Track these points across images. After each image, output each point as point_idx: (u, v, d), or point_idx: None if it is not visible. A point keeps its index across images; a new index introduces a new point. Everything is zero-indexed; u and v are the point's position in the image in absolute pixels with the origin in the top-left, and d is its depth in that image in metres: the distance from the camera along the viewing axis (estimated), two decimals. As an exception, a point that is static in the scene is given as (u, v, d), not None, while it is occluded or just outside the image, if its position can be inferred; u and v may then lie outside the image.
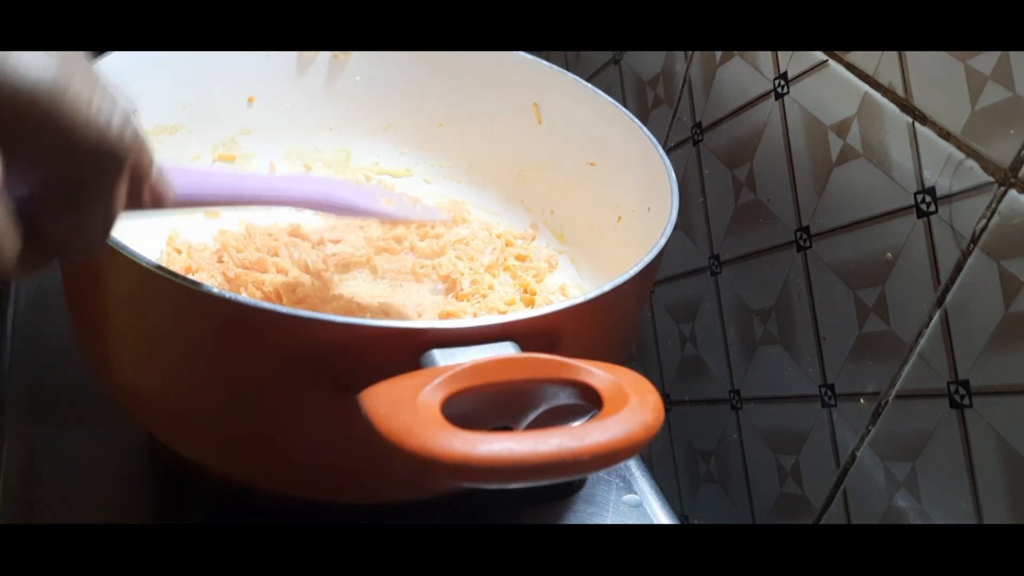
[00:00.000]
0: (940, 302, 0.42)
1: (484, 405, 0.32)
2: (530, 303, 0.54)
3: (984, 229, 0.39)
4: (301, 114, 0.62)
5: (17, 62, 0.22)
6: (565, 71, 0.57)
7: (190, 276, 0.39)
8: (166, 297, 0.35)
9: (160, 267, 0.34)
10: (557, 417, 0.35)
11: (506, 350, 0.34)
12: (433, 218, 0.55)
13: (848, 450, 0.48)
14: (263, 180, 0.48)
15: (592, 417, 0.31)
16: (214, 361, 0.37)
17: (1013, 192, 0.38)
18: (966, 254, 0.40)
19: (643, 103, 0.66)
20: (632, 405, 0.31)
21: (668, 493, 0.64)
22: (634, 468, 0.54)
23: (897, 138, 0.44)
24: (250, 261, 0.52)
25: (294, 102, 0.61)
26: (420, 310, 0.52)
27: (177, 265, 0.52)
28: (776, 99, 0.52)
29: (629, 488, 0.53)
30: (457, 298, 0.54)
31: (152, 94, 0.53)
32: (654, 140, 0.50)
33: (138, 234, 0.53)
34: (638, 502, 0.52)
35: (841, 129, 0.47)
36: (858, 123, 0.46)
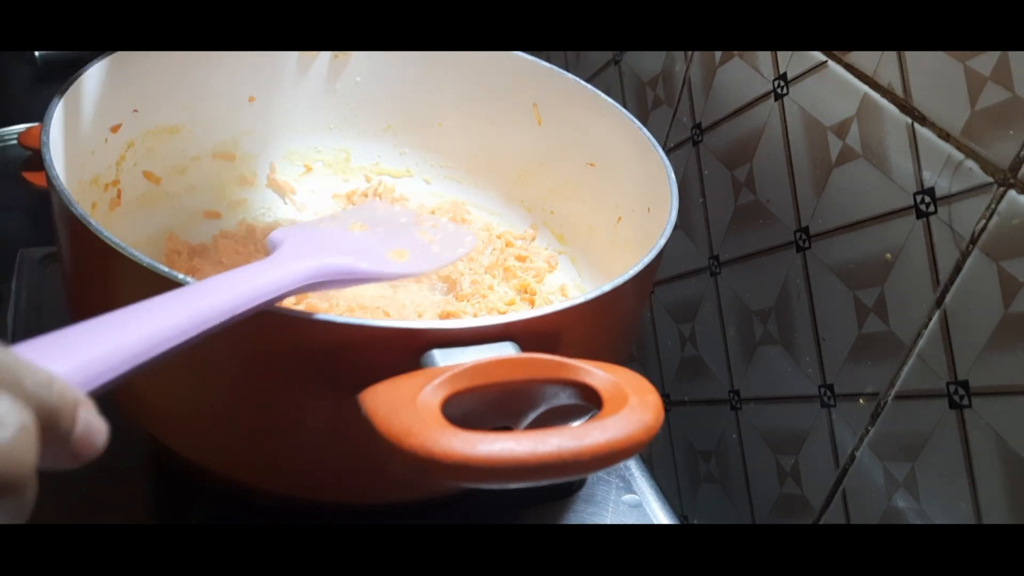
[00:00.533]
0: (939, 302, 0.42)
1: (484, 405, 0.32)
2: (530, 303, 0.54)
3: (983, 230, 0.39)
4: (301, 114, 0.62)
5: None
6: (565, 71, 0.57)
7: (190, 277, 0.39)
8: (166, 297, 0.35)
9: (160, 267, 0.34)
10: (557, 417, 0.35)
11: (506, 350, 0.34)
12: (456, 257, 0.46)
13: (847, 450, 0.48)
14: (217, 293, 0.31)
15: (592, 417, 0.31)
16: (214, 362, 0.37)
17: (1012, 193, 0.38)
18: (965, 255, 0.40)
19: (643, 103, 0.66)
20: (632, 405, 0.31)
21: (668, 493, 0.64)
22: (634, 468, 0.54)
23: (896, 139, 0.44)
24: (250, 262, 0.52)
25: (294, 102, 0.61)
26: (420, 310, 0.52)
27: (177, 265, 0.52)
28: (776, 100, 0.52)
29: (629, 488, 0.53)
30: (457, 298, 0.54)
31: (152, 94, 0.53)
32: (654, 140, 0.50)
33: (138, 234, 0.53)
34: (638, 502, 0.52)
35: (841, 130, 0.47)
36: (857, 124, 0.46)
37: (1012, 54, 0.38)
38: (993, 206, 0.39)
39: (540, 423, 0.35)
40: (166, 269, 0.34)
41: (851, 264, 0.47)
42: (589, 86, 0.56)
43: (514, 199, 0.63)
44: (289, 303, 0.50)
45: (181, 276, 0.34)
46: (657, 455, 0.66)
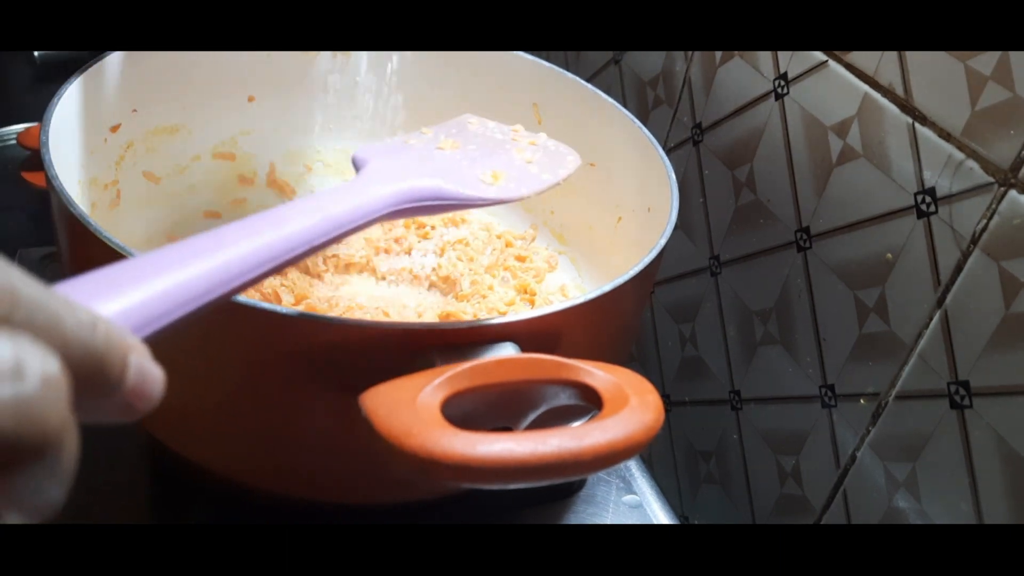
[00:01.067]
0: (940, 303, 0.42)
1: (484, 406, 0.32)
2: (530, 304, 0.54)
3: (984, 230, 0.39)
4: (301, 114, 0.62)
5: None
6: (565, 71, 0.57)
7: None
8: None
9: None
10: (557, 418, 0.35)
11: (506, 351, 0.34)
12: (557, 180, 0.41)
13: (848, 450, 0.48)
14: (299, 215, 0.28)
15: (592, 418, 0.31)
16: (214, 362, 0.37)
17: (1013, 192, 0.38)
18: (966, 254, 0.40)
19: (643, 103, 0.65)
20: (632, 405, 0.31)
21: (668, 493, 0.64)
22: (634, 468, 0.54)
23: (897, 138, 0.44)
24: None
25: (294, 102, 0.61)
26: (420, 311, 0.52)
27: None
28: (776, 99, 0.52)
29: (629, 488, 0.53)
30: (457, 299, 0.54)
31: (152, 94, 0.53)
32: (654, 140, 0.50)
33: (138, 234, 0.53)
34: (638, 502, 0.52)
35: (841, 129, 0.47)
36: (858, 123, 0.46)
37: (1013, 54, 0.38)
38: (994, 206, 0.39)
39: (540, 424, 0.35)
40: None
41: (852, 264, 0.47)
42: (589, 86, 0.55)
43: (514, 199, 0.63)
44: (289, 303, 0.50)
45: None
46: (657, 455, 0.66)
